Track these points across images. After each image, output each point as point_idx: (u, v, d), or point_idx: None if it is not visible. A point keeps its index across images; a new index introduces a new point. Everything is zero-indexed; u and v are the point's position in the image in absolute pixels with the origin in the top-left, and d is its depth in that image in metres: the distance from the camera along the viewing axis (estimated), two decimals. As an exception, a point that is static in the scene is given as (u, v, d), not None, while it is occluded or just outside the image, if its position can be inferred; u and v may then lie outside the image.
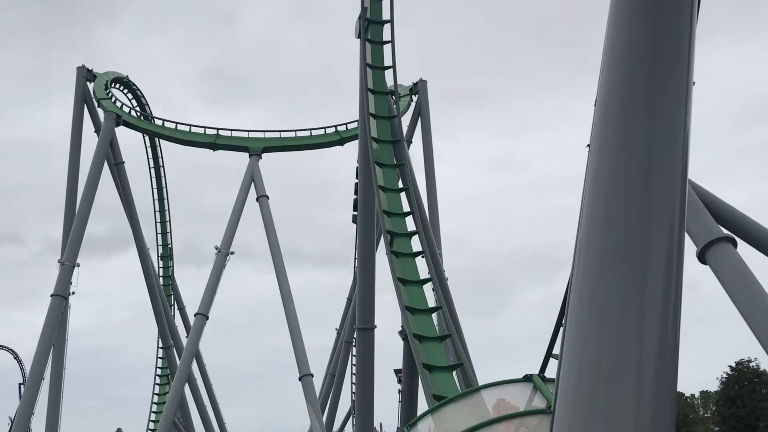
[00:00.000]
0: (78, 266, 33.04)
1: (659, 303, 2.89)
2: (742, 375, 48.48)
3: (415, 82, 39.24)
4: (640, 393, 2.82)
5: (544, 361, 11.09)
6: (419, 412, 14.29)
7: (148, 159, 50.60)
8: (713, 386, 56.62)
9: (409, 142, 35.49)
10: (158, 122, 42.04)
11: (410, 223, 21.83)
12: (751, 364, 48.57)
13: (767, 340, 10.21)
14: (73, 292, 33.61)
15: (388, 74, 25.43)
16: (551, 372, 10.00)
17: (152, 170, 50.72)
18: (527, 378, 9.61)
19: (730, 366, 49.57)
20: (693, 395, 76.00)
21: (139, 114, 42.64)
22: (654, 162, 2.95)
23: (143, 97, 46.78)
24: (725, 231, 11.82)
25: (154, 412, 51.10)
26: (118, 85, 43.46)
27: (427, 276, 20.45)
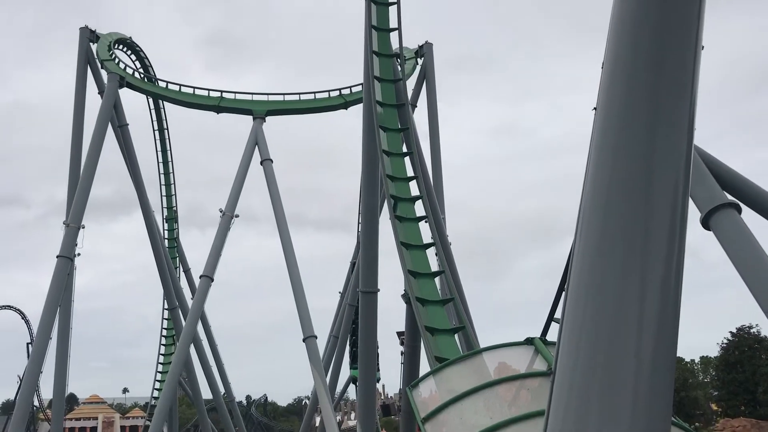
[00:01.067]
0: (83, 228, 33.21)
1: (661, 268, 2.91)
2: (742, 341, 48.78)
3: (420, 45, 38.84)
4: (639, 357, 2.85)
5: (545, 325, 11.15)
6: (421, 374, 14.44)
7: (152, 121, 50.51)
8: (713, 352, 57.07)
9: (414, 106, 35.26)
10: (162, 84, 41.81)
11: (414, 188, 21.80)
12: (752, 330, 48.84)
13: (768, 306, 10.25)
14: (79, 254, 33.87)
15: (394, 37, 25.16)
16: (553, 336, 10.09)
17: (156, 132, 50.65)
18: (529, 341, 9.68)
19: (731, 332, 49.88)
20: (693, 360, 76.73)
21: (142, 76, 42.38)
22: (660, 126, 2.94)
23: (147, 58, 46.45)
24: (730, 197, 11.77)
25: (159, 372, 51.89)
26: (121, 47, 43.15)
27: (430, 240, 20.49)
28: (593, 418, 2.85)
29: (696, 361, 76.92)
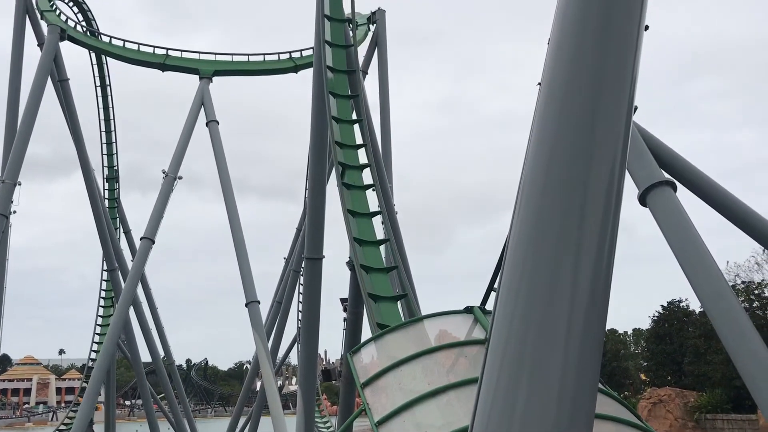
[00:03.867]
0: (19, 185, 32.10)
1: (595, 242, 3.00)
2: (672, 314, 50.66)
3: (373, 11, 38.44)
4: (570, 327, 2.95)
5: (485, 294, 11.36)
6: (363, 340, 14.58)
7: (94, 77, 48.88)
8: (645, 324, 59.22)
9: (365, 73, 35.00)
10: (105, 39, 40.40)
11: (362, 156, 21.76)
12: (681, 304, 50.77)
13: (697, 282, 10.66)
14: (15, 212, 32.75)
15: (346, 1, 24.83)
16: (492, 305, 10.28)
17: (98, 89, 49.08)
18: (468, 309, 9.87)
19: (662, 305, 51.76)
20: (626, 332, 79.60)
21: (85, 29, 40.85)
22: (601, 101, 3.02)
23: (90, 11, 44.79)
24: (667, 175, 12.12)
25: (97, 334, 51.03)
26: (62, -3, 41.48)
27: (377, 209, 20.54)
28: (523, 385, 2.94)
29: (629, 333, 79.82)
